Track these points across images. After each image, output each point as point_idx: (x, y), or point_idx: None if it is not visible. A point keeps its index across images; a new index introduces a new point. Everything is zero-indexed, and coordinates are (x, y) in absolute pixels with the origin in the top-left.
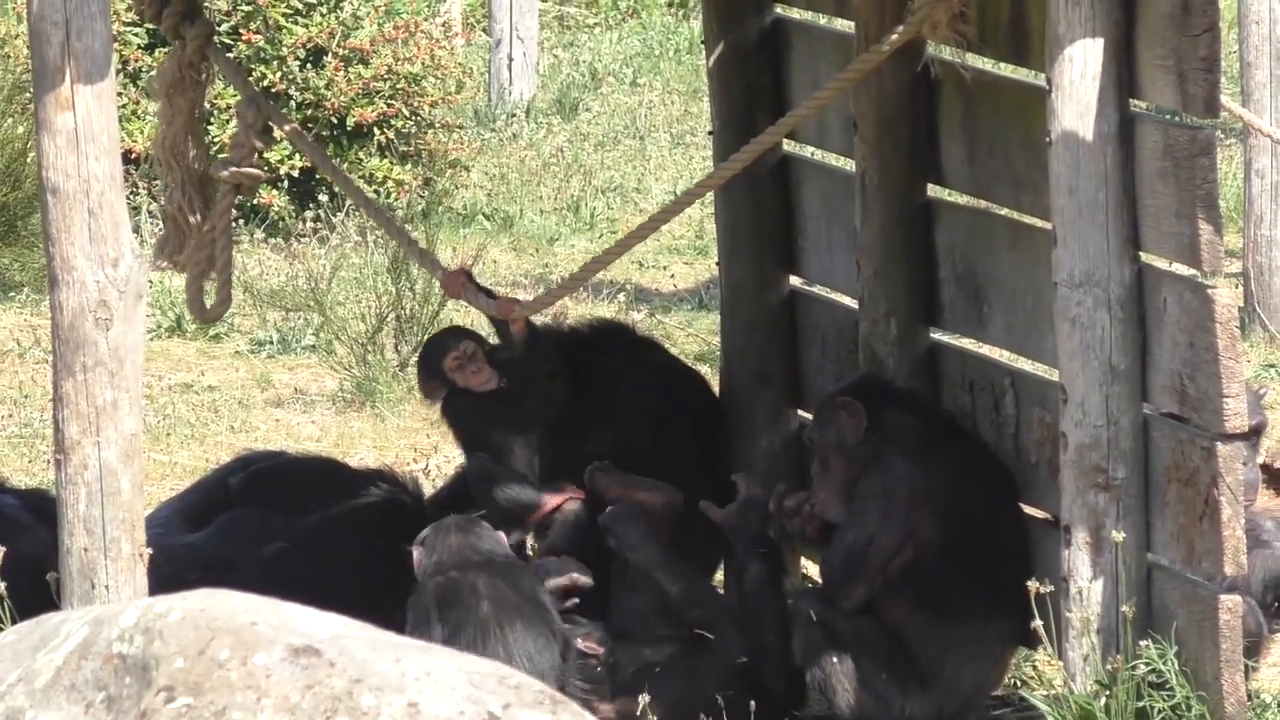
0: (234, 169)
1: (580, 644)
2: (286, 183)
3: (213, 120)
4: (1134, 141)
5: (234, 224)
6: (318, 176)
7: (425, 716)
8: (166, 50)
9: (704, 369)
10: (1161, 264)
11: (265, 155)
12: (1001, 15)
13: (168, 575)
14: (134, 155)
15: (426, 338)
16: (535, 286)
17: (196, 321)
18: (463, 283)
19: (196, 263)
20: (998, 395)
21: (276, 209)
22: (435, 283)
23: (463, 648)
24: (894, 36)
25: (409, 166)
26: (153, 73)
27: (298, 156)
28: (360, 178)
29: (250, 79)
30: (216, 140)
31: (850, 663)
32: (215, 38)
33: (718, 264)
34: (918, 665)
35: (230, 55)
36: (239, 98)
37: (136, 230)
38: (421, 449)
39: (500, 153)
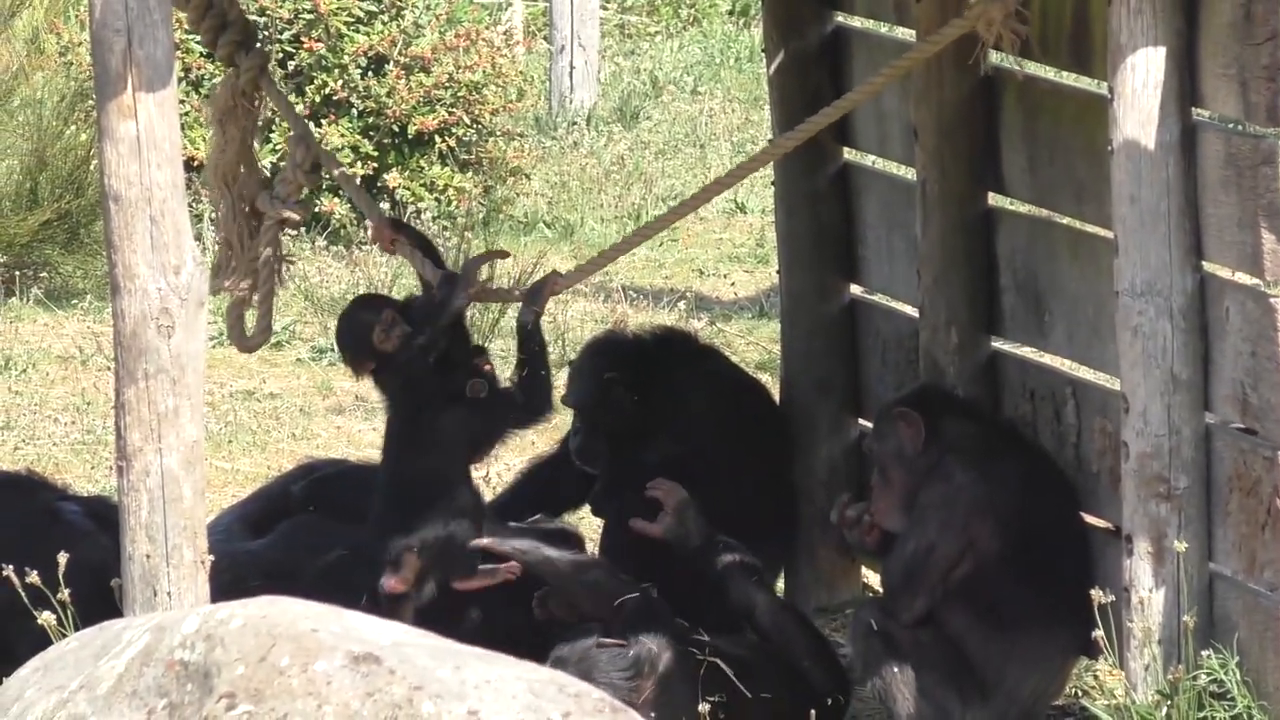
0: (280, 207)
1: (602, 641)
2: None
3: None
4: (1196, 150)
5: (286, 250)
6: (379, 184)
7: None
8: (220, 79)
9: (764, 377)
10: (1224, 273)
11: (311, 191)
12: (1063, 24)
13: (229, 582)
14: (196, 163)
15: (341, 314)
16: (596, 294)
17: (236, 349)
18: (391, 236)
19: (240, 290)
20: (1059, 404)
21: (338, 217)
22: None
23: None
24: (949, 29)
25: (470, 174)
26: (216, 80)
27: (359, 165)
28: (421, 185)
29: (312, 87)
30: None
31: (910, 672)
32: (269, 68)
33: (778, 272)
34: (978, 675)
35: (292, 63)
36: (290, 133)
37: (198, 238)
38: None
39: (561, 160)
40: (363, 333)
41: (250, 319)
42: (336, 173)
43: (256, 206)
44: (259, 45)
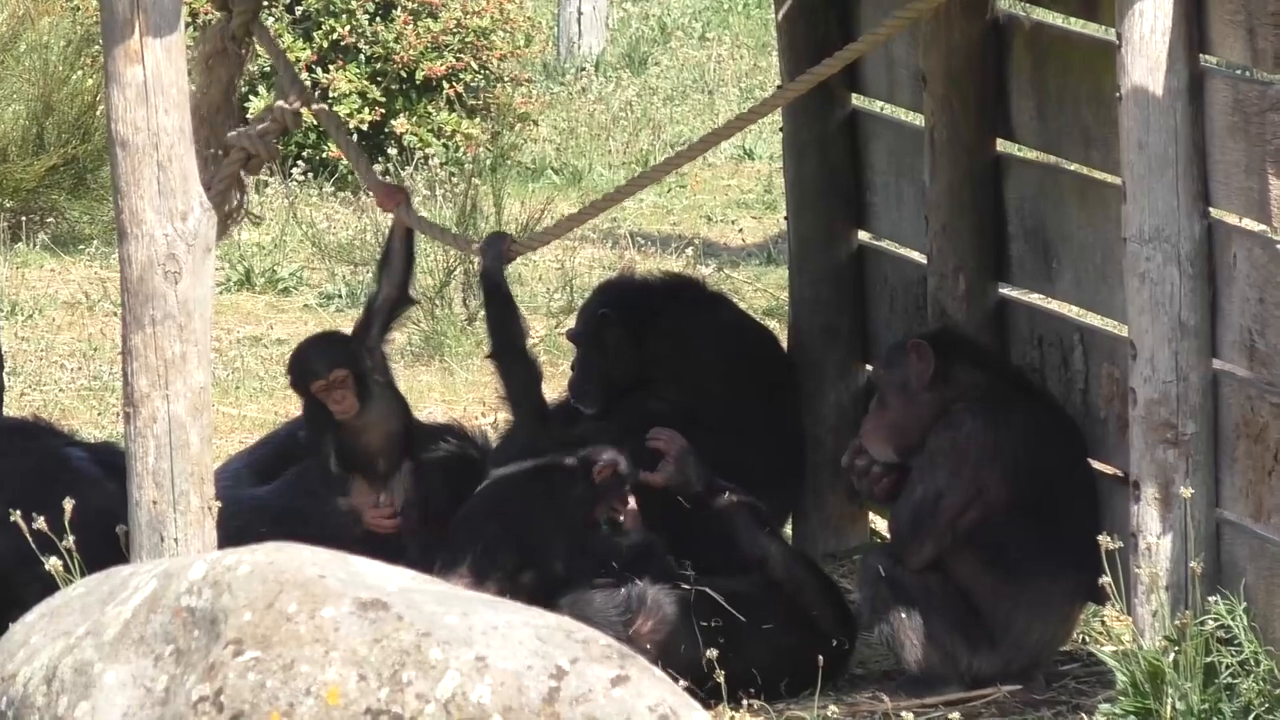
0: (244, 130)
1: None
2: (355, 136)
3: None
4: (1204, 97)
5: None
6: (386, 130)
7: (493, 670)
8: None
9: (772, 324)
10: (1231, 219)
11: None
12: None
13: (236, 529)
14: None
15: (301, 341)
16: (603, 241)
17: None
18: (399, 200)
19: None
20: (1066, 351)
21: (345, 164)
22: None
23: None
24: None
25: (477, 120)
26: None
27: (366, 110)
28: (429, 131)
29: (319, 32)
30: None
31: (918, 618)
32: (260, 14)
33: (786, 219)
34: (985, 622)
35: (300, 8)
36: (277, 76)
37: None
38: (489, 403)
39: (569, 107)
40: (306, 376)
41: None
42: (317, 108)
43: (225, 141)
44: None
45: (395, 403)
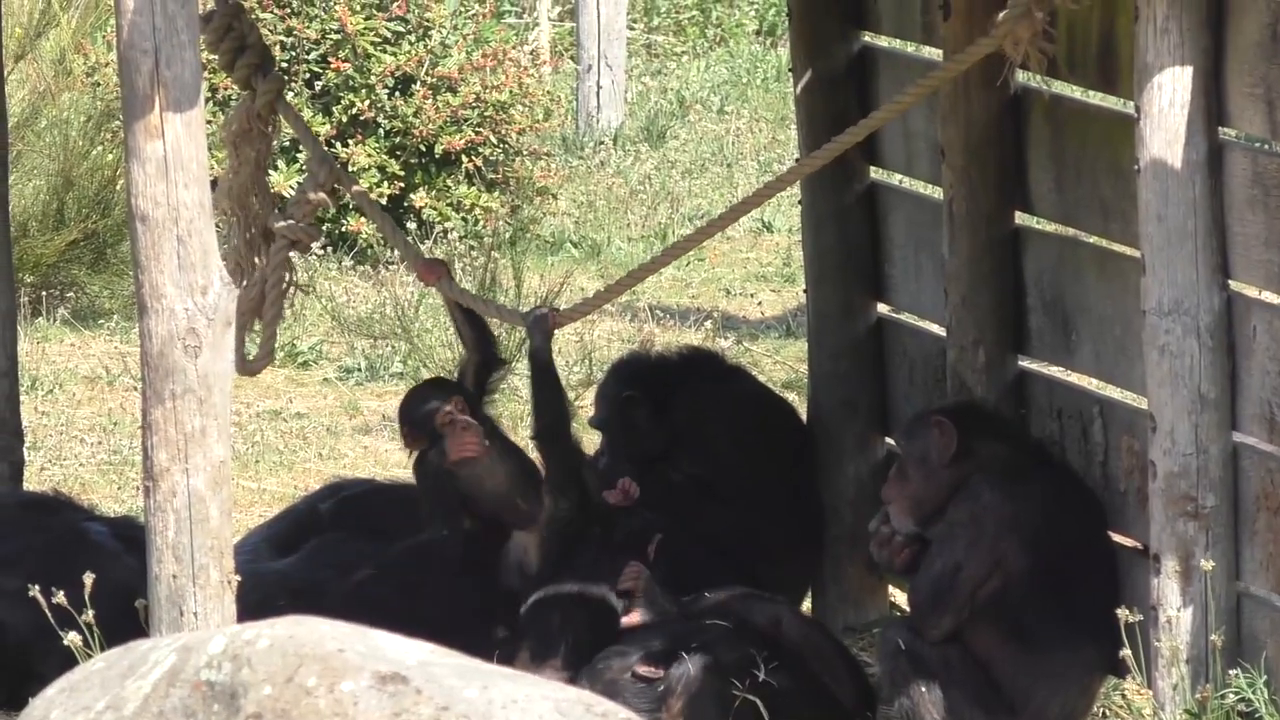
0: (290, 222)
1: (639, 668)
2: None
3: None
4: (1223, 169)
5: (299, 275)
6: (406, 204)
7: None
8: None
9: (791, 397)
10: (1251, 292)
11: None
12: (1090, 43)
13: (256, 602)
14: None
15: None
16: (622, 314)
17: (237, 372)
18: (440, 274)
19: (243, 314)
20: (1086, 423)
21: (364, 236)
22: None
23: None
24: (976, 47)
25: (497, 194)
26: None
27: (386, 185)
28: (448, 205)
29: (339, 107)
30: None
31: (938, 691)
32: (285, 92)
33: (805, 291)
34: (1006, 694)
35: (319, 83)
36: (307, 155)
37: (226, 257)
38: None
39: (588, 180)
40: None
41: (253, 344)
42: (355, 190)
43: (268, 227)
44: (276, 70)
45: (513, 450)
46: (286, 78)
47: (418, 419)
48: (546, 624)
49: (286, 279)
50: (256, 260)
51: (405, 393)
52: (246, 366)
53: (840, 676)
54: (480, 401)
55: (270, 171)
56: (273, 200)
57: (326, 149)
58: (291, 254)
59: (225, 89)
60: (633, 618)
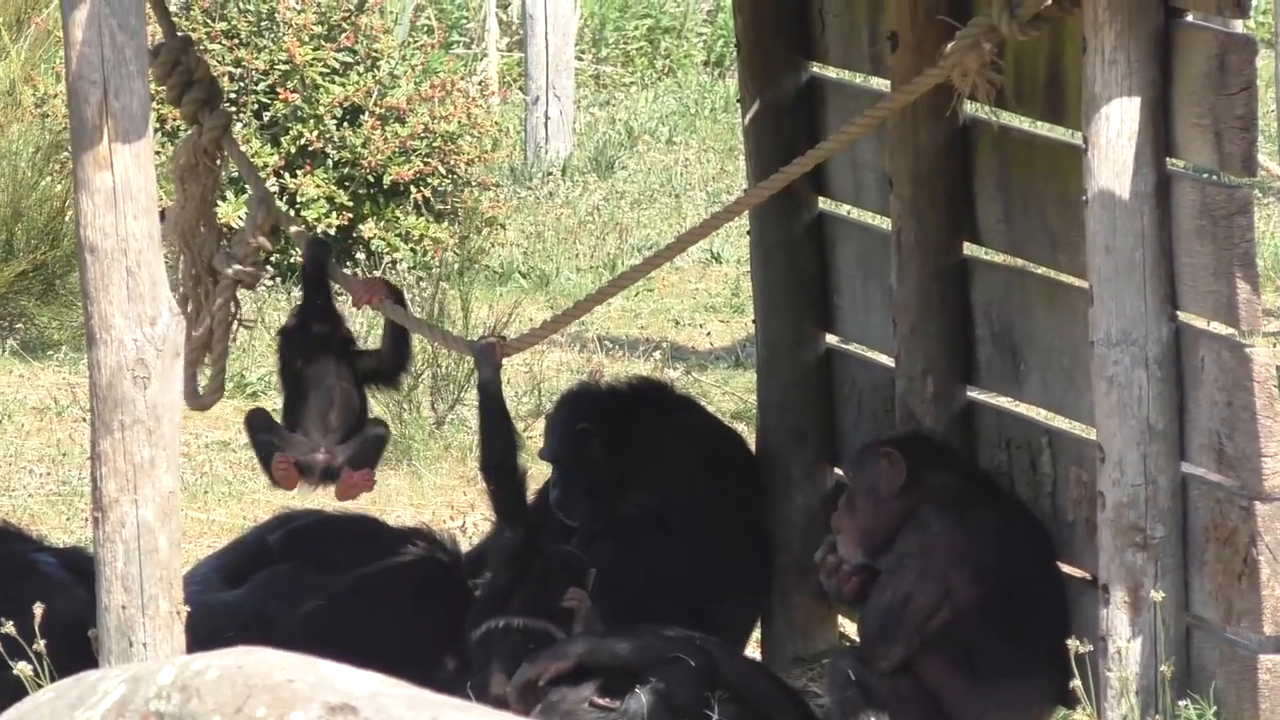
0: (236, 267)
1: (596, 699)
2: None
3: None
4: (1171, 200)
5: (242, 310)
6: (355, 234)
7: None
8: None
9: (740, 427)
10: (1199, 323)
11: (273, 245)
12: (1038, 74)
13: (205, 633)
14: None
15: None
16: (571, 345)
17: (188, 407)
18: (380, 294)
19: (192, 349)
20: (1035, 453)
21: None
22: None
23: None
24: (925, 78)
25: (445, 224)
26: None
27: (334, 215)
28: (397, 235)
29: (287, 137)
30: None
31: None
32: (233, 126)
33: (754, 322)
34: None
35: (268, 114)
36: (248, 194)
37: (174, 289)
38: (458, 506)
39: (536, 211)
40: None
41: (203, 378)
42: (294, 231)
43: (213, 265)
44: (223, 105)
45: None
46: (235, 108)
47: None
48: (493, 655)
49: (233, 314)
50: (203, 295)
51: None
52: (197, 401)
53: (784, 707)
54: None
55: (219, 202)
56: (219, 234)
57: (275, 179)
58: (238, 291)
59: (174, 120)
60: (564, 665)
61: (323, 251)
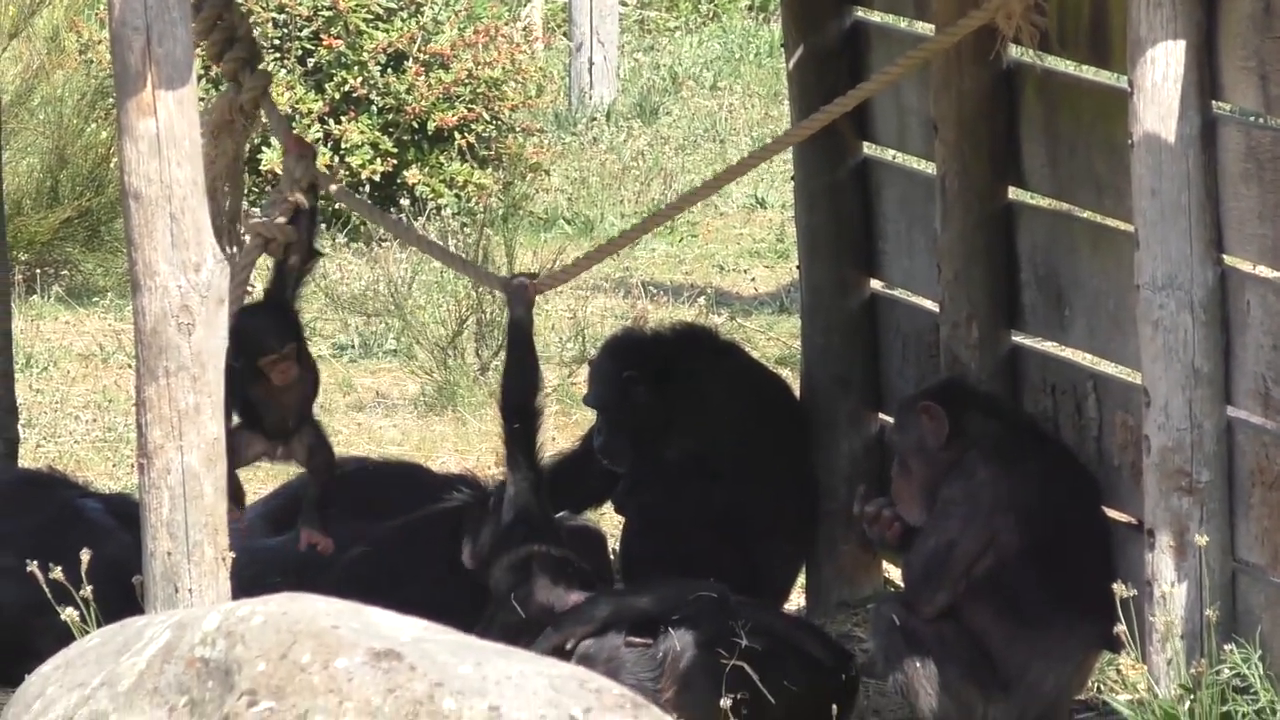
0: (262, 220)
1: (630, 638)
2: (368, 187)
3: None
4: (1216, 144)
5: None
6: (399, 181)
7: None
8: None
9: (785, 372)
10: (1245, 266)
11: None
12: (1082, 18)
13: (250, 579)
14: None
15: (243, 311)
16: (615, 290)
17: None
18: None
19: None
20: (1080, 398)
21: (358, 215)
22: None
23: None
24: (968, 20)
25: (489, 170)
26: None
27: (378, 161)
28: (441, 182)
29: (331, 84)
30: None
31: (932, 667)
32: (270, 89)
33: (798, 267)
34: (1000, 670)
35: (311, 60)
36: (285, 152)
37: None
38: (503, 453)
39: (580, 156)
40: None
41: None
42: (335, 189)
43: (248, 225)
44: (263, 66)
45: (310, 364)
46: (279, 55)
47: (245, 355)
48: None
49: (250, 280)
50: (226, 250)
51: (239, 317)
52: None
53: (809, 639)
54: (297, 296)
55: (264, 149)
56: (242, 193)
57: (319, 125)
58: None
59: (217, 66)
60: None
61: None
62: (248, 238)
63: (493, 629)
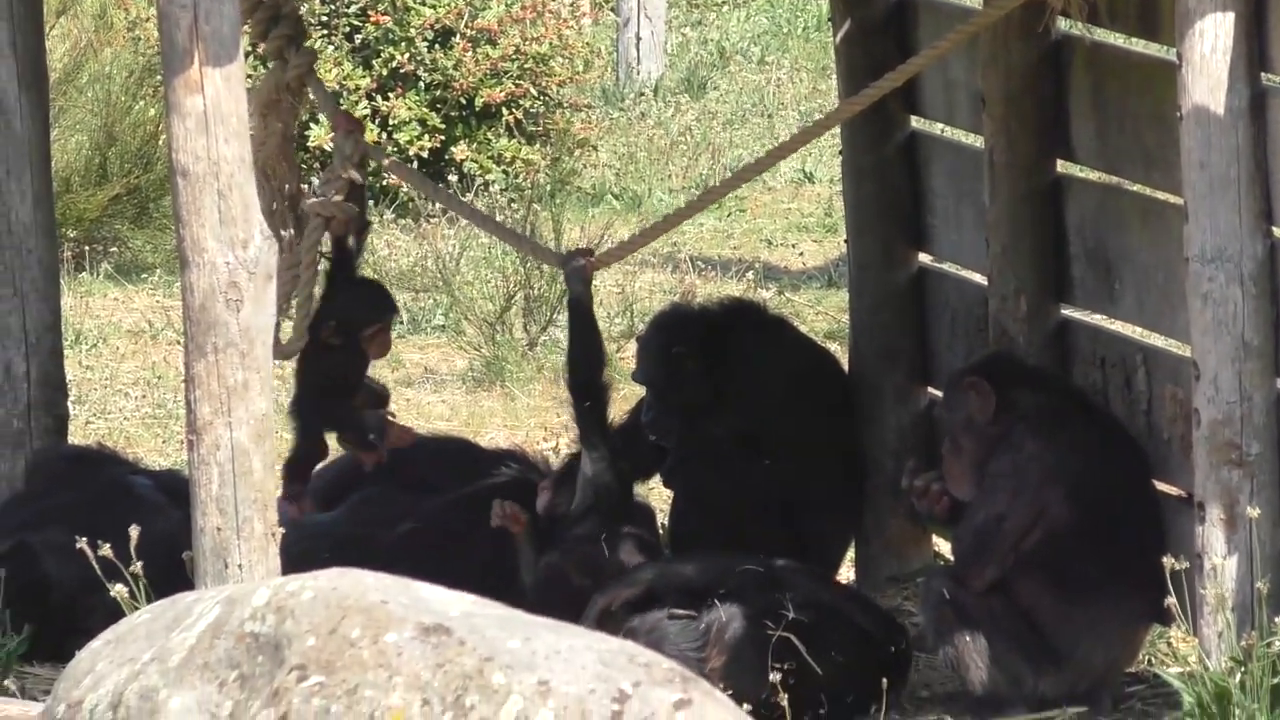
0: (323, 199)
1: (674, 611)
2: (416, 164)
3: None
4: (1265, 115)
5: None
6: (447, 158)
7: (555, 694)
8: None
9: (834, 347)
10: None
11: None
12: None
13: (299, 554)
14: None
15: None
16: (663, 265)
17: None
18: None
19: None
20: (1129, 371)
21: (406, 190)
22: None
23: None
24: None
25: (537, 146)
26: None
27: (426, 138)
28: (489, 158)
29: (379, 60)
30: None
31: (983, 641)
32: (315, 67)
33: (846, 241)
34: (1050, 643)
35: (359, 37)
36: (335, 131)
37: None
38: (551, 428)
39: (628, 132)
40: None
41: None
42: (387, 163)
43: (303, 206)
44: (309, 43)
45: None
46: (326, 31)
47: (359, 322)
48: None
49: (319, 257)
50: (283, 232)
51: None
52: (280, 350)
53: (859, 611)
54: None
55: (311, 125)
56: (298, 171)
57: (367, 102)
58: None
59: (263, 46)
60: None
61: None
62: (308, 217)
63: (540, 580)
